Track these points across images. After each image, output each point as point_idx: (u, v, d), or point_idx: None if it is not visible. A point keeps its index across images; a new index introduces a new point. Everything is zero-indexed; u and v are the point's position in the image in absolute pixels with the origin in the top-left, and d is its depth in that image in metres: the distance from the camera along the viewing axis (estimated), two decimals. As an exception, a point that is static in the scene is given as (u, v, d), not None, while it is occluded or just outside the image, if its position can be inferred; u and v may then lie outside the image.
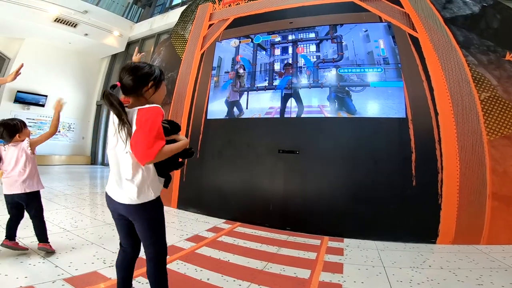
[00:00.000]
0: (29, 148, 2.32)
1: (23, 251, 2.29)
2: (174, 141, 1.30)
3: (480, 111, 3.20)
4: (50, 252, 2.29)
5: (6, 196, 2.30)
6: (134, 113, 1.21)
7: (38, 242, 2.32)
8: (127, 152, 1.23)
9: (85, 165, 11.54)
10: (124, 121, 1.18)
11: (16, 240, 2.34)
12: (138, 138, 1.16)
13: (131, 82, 1.27)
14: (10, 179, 2.26)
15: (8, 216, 2.35)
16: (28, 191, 2.29)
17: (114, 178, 1.32)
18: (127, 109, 1.24)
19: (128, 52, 12.04)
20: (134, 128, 1.19)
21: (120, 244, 1.48)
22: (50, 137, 2.50)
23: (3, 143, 2.33)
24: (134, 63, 1.34)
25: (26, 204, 2.33)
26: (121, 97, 1.29)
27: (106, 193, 1.38)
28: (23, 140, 2.34)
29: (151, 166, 1.27)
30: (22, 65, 2.47)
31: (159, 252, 1.37)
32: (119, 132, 1.20)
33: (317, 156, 3.64)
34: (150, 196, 1.29)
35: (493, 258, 2.60)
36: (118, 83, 1.27)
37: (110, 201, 1.36)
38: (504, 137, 3.12)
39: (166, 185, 1.39)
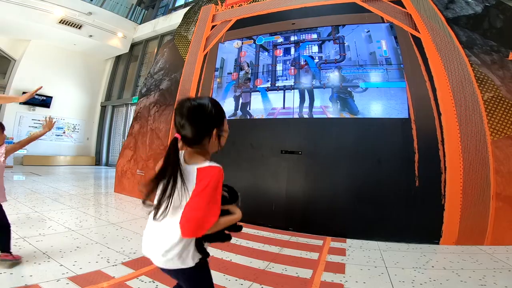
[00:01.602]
0: (4, 156, 2.10)
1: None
2: (228, 211, 1.09)
3: (483, 111, 3.19)
4: (15, 262, 2.05)
5: None
6: (192, 173, 1.01)
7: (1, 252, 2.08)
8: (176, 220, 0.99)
9: (90, 165, 11.62)
10: (178, 184, 0.99)
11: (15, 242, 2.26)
12: (188, 209, 0.96)
13: (190, 134, 1.02)
14: None
15: None
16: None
17: (153, 243, 1.08)
18: (183, 164, 1.04)
19: (132, 54, 12.12)
20: (191, 187, 0.99)
21: None
22: (24, 146, 2.31)
23: None
24: (190, 102, 1.05)
25: None
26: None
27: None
28: None
29: None
30: (40, 88, 2.45)
31: None
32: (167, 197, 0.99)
33: (320, 157, 3.64)
34: (189, 263, 1.04)
35: (496, 259, 2.59)
36: (177, 135, 1.03)
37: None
38: (508, 138, 3.10)
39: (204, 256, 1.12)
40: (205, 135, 1.05)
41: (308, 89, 3.89)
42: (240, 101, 4.36)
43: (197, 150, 1.07)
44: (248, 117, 4.22)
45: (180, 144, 1.05)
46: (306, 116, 3.83)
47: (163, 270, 1.09)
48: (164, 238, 1.03)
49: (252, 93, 4.29)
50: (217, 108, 1.09)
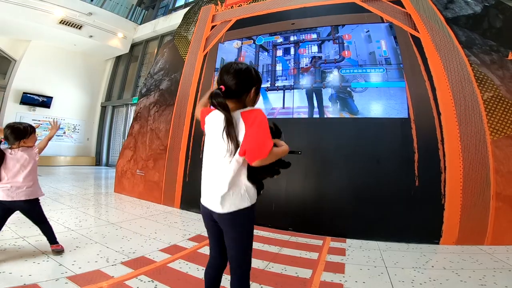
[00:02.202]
0: (38, 155, 2.33)
1: None
2: (275, 145, 1.23)
3: (483, 111, 3.19)
4: (61, 251, 2.32)
5: (2, 202, 2.16)
6: (237, 117, 1.18)
7: (50, 244, 2.33)
8: (230, 159, 1.19)
9: (90, 166, 11.62)
10: (233, 125, 1.16)
11: (14, 241, 2.37)
12: (250, 136, 1.13)
13: (235, 87, 1.21)
14: (13, 185, 2.17)
15: None
16: (32, 197, 2.25)
17: (208, 185, 1.27)
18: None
19: (132, 54, 12.13)
20: (240, 131, 1.17)
21: (210, 252, 1.43)
22: (47, 144, 2.50)
23: (6, 145, 2.27)
24: (237, 64, 1.26)
25: (27, 212, 2.29)
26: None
27: (202, 207, 1.32)
28: (30, 146, 2.31)
29: (244, 171, 1.22)
30: (38, 126, 2.67)
31: (245, 269, 1.30)
32: (227, 137, 1.16)
33: (320, 157, 3.64)
34: (246, 203, 1.23)
35: (497, 259, 2.58)
36: (222, 87, 1.20)
37: (204, 207, 1.30)
38: (507, 137, 3.10)
39: (258, 192, 1.31)
40: (245, 91, 1.24)
41: (316, 90, 3.87)
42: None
43: (235, 103, 1.24)
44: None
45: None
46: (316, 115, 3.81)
47: (220, 219, 1.25)
48: (219, 178, 1.21)
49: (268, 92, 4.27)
50: (256, 72, 1.31)
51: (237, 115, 1.19)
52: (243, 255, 1.29)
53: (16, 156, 2.22)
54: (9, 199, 2.15)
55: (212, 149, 1.27)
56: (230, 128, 1.15)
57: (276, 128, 1.30)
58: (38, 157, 2.34)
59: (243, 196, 1.21)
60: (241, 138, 1.17)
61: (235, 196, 1.20)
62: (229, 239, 1.28)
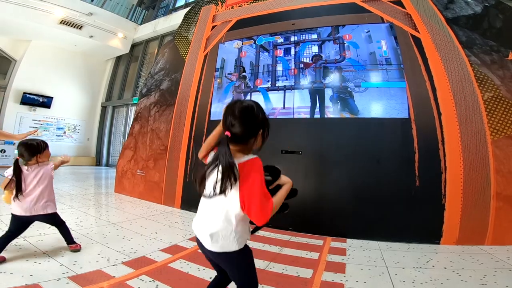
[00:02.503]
0: (53, 172, 2.42)
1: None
2: (279, 186, 1.21)
3: (483, 111, 3.19)
4: (78, 250, 2.42)
5: (21, 217, 2.22)
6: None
7: (68, 245, 2.43)
8: (226, 207, 1.14)
9: (90, 166, 11.62)
10: (236, 177, 1.08)
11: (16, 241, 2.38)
12: (250, 200, 1.08)
13: (241, 133, 1.14)
14: (31, 200, 2.23)
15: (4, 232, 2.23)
16: (49, 212, 2.33)
17: (202, 225, 1.21)
18: None
19: (133, 54, 12.13)
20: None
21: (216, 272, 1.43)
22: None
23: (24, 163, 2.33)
24: (242, 106, 1.17)
25: (46, 222, 2.43)
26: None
27: (196, 238, 1.28)
28: (44, 161, 2.37)
29: (246, 218, 1.17)
30: (36, 130, 2.70)
31: None
32: (222, 185, 1.10)
33: (320, 157, 3.64)
34: (236, 246, 1.17)
35: (497, 259, 2.58)
36: (228, 133, 1.13)
37: (200, 245, 1.25)
38: (508, 137, 3.10)
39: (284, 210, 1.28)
40: (252, 135, 1.17)
41: (319, 90, 3.86)
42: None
43: (240, 148, 1.18)
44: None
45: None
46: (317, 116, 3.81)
47: (210, 254, 1.21)
48: (212, 223, 1.17)
49: (252, 93, 4.29)
50: (264, 113, 1.22)
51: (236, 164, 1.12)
52: (246, 283, 1.27)
53: (33, 173, 2.29)
54: (27, 214, 2.22)
55: (211, 191, 1.18)
56: (229, 181, 1.09)
57: (272, 172, 1.24)
58: (53, 172, 2.42)
59: (232, 240, 1.15)
60: (233, 190, 1.11)
61: (224, 238, 1.15)
62: (230, 274, 1.27)
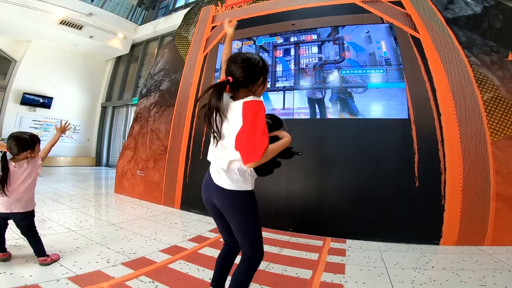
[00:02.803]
0: (40, 167, 2.24)
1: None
2: (277, 138, 1.27)
3: (483, 111, 3.19)
4: (48, 264, 2.13)
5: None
6: (238, 106, 1.19)
7: (37, 257, 2.13)
8: (222, 146, 1.27)
9: (90, 166, 11.62)
10: (218, 113, 1.20)
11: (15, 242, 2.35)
12: (244, 136, 1.15)
13: (243, 78, 1.26)
14: (13, 197, 2.07)
15: None
16: (29, 209, 2.18)
17: (212, 169, 1.35)
18: (231, 102, 1.25)
19: (132, 55, 12.14)
20: (237, 122, 1.18)
21: (224, 240, 1.49)
22: (49, 152, 2.37)
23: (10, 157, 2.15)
24: (245, 55, 1.30)
25: (20, 223, 2.17)
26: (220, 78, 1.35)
27: (203, 183, 1.40)
28: (34, 157, 2.19)
29: (237, 158, 1.25)
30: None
31: (256, 253, 1.34)
32: (205, 122, 1.24)
33: (320, 158, 3.65)
34: (246, 186, 1.28)
35: (497, 259, 2.59)
36: (230, 78, 1.25)
37: (205, 189, 1.36)
38: (507, 138, 3.10)
39: (263, 174, 1.36)
40: (252, 81, 1.28)
41: (318, 99, 3.86)
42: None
43: (243, 92, 1.28)
44: None
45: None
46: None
47: (216, 208, 1.33)
48: (219, 163, 1.29)
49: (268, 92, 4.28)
50: (263, 61, 1.34)
51: (239, 104, 1.20)
52: (253, 240, 1.31)
53: (21, 169, 2.14)
54: (8, 211, 2.07)
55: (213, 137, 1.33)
56: (210, 116, 1.22)
57: (275, 120, 1.31)
58: (40, 168, 2.27)
59: (242, 179, 1.26)
60: (235, 128, 1.19)
61: (234, 178, 1.25)
62: (235, 223, 1.32)
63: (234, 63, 1.27)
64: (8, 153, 2.13)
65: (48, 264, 2.11)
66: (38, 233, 2.23)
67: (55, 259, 2.18)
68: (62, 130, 2.48)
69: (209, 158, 1.38)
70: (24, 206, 2.13)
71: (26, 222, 2.18)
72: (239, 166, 1.25)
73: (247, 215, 1.29)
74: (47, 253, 2.16)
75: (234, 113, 1.20)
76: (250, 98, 1.20)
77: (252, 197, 1.31)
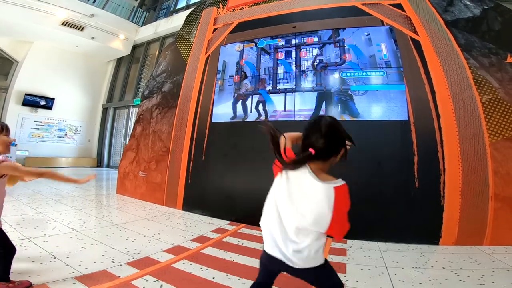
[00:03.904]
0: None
1: None
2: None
3: (482, 113, 3.23)
4: None
5: None
6: (328, 188, 1.11)
7: None
8: (311, 229, 1.14)
9: (91, 167, 11.66)
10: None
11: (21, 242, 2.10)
12: (339, 222, 1.14)
13: (325, 150, 1.14)
14: None
15: None
16: None
17: (279, 240, 1.19)
18: (315, 180, 1.12)
19: (134, 56, 12.18)
20: (321, 205, 1.11)
21: (256, 284, 1.43)
22: (33, 178, 1.87)
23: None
24: (328, 122, 1.18)
25: None
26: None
27: (266, 253, 1.27)
28: None
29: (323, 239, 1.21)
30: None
31: None
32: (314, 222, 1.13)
33: (320, 158, 3.67)
34: (320, 260, 1.21)
35: (495, 259, 2.62)
36: (312, 150, 1.12)
37: (272, 262, 1.25)
38: (506, 139, 3.14)
39: None
40: (334, 152, 1.17)
41: (326, 93, 3.88)
42: (249, 101, 4.41)
43: (321, 165, 1.17)
44: (263, 116, 4.20)
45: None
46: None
47: (293, 272, 1.23)
48: (293, 237, 1.16)
49: (253, 95, 4.33)
50: (344, 131, 1.23)
51: (328, 187, 1.10)
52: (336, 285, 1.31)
53: None
54: None
55: (290, 208, 1.17)
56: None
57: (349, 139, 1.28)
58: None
59: (317, 255, 1.18)
60: (323, 210, 1.11)
61: (310, 255, 1.17)
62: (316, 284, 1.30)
63: (317, 132, 1.14)
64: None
65: None
66: (9, 253, 1.78)
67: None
68: (82, 182, 1.96)
69: (279, 228, 1.20)
70: None
71: None
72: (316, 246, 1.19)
73: (327, 281, 1.30)
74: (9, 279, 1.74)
75: (319, 194, 1.11)
76: (340, 182, 1.13)
77: (326, 266, 1.28)
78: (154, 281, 2.00)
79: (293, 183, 1.18)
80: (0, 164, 1.58)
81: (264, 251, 1.28)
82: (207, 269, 2.26)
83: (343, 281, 2.09)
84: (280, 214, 1.20)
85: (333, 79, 3.88)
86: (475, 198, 3.07)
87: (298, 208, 1.14)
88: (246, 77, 4.51)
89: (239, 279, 2.11)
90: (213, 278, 2.11)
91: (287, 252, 1.16)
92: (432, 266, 2.49)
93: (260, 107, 4.22)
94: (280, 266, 1.22)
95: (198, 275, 2.15)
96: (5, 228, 2.84)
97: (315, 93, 3.91)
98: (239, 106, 4.40)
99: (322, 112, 3.81)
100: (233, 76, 4.62)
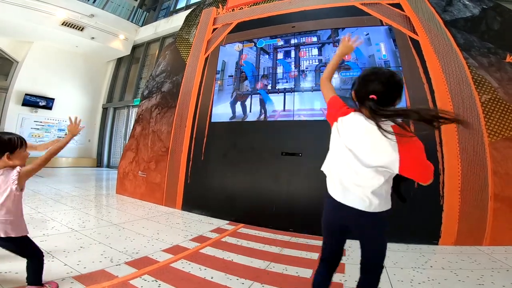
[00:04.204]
0: (16, 182, 1.62)
1: None
2: None
3: (481, 113, 3.22)
4: None
5: None
6: (386, 129, 1.18)
7: (27, 284, 1.74)
8: (383, 168, 1.21)
9: (91, 167, 11.66)
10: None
11: None
12: (413, 161, 1.19)
13: (387, 96, 1.23)
14: None
15: None
16: (10, 235, 1.63)
17: (351, 185, 1.26)
18: (371, 124, 1.22)
19: (134, 56, 12.19)
20: (388, 144, 1.18)
21: (324, 257, 1.45)
22: (45, 165, 1.81)
23: None
24: (390, 72, 1.27)
25: (10, 249, 1.72)
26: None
27: (334, 201, 1.32)
28: (14, 167, 1.67)
29: (390, 180, 1.28)
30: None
31: (382, 266, 1.36)
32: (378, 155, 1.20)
33: (320, 158, 3.64)
34: (389, 205, 1.29)
35: (495, 259, 2.62)
36: (374, 96, 1.21)
37: (339, 209, 1.30)
38: (505, 139, 3.13)
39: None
40: (392, 100, 1.25)
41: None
42: (248, 101, 4.40)
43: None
44: (263, 116, 4.20)
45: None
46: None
47: (345, 229, 1.34)
48: (366, 182, 1.23)
49: (253, 95, 4.33)
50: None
51: (387, 126, 1.17)
52: (384, 254, 1.34)
53: None
54: None
55: (353, 153, 1.27)
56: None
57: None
58: (15, 184, 1.62)
59: (387, 199, 1.27)
60: (386, 152, 1.19)
61: (381, 199, 1.24)
62: (371, 240, 1.33)
63: (378, 81, 1.23)
64: None
65: None
66: (39, 257, 1.78)
67: None
68: (74, 131, 1.99)
69: (342, 181, 1.30)
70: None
71: (13, 249, 1.72)
72: (387, 188, 1.27)
73: (386, 233, 1.34)
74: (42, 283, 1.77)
75: (379, 137, 1.19)
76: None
77: (389, 214, 1.32)
78: (152, 281, 2.00)
79: (353, 131, 1.28)
80: (20, 175, 1.65)
81: (333, 203, 1.32)
82: (205, 269, 2.26)
83: (341, 282, 2.12)
84: (350, 159, 1.27)
85: (332, 79, 3.87)
86: (475, 198, 3.07)
87: (368, 151, 1.23)
88: (246, 78, 4.50)
89: (237, 279, 2.10)
90: (212, 277, 2.11)
91: (364, 195, 1.23)
92: (431, 266, 2.49)
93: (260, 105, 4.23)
94: (351, 216, 1.27)
95: (196, 275, 2.15)
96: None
97: (314, 93, 3.91)
98: (238, 106, 4.40)
99: (322, 112, 3.81)
100: (232, 76, 4.62)
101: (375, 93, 1.21)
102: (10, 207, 1.63)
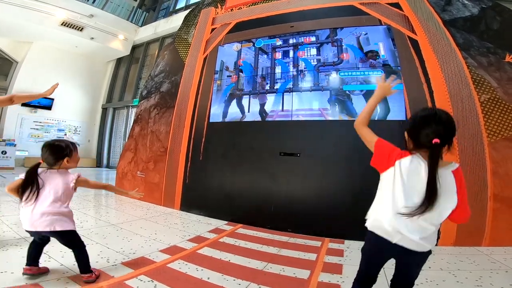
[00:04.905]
0: (74, 181, 1.93)
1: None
2: None
3: (480, 113, 3.21)
4: (92, 281, 1.91)
5: (30, 232, 1.86)
6: (447, 174, 1.21)
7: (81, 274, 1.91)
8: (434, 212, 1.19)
9: (91, 167, 11.66)
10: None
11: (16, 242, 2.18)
12: (464, 204, 1.19)
13: (447, 140, 1.22)
14: (37, 213, 1.77)
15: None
16: (59, 229, 1.81)
17: (409, 227, 1.23)
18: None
19: (133, 56, 12.18)
20: (449, 189, 1.19)
21: (360, 282, 1.46)
22: (96, 188, 2.39)
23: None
24: (446, 114, 1.25)
25: (61, 242, 1.93)
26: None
27: (386, 240, 1.29)
28: (71, 167, 1.99)
29: None
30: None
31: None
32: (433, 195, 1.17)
33: (318, 159, 3.67)
34: (435, 241, 1.31)
35: (494, 260, 2.60)
36: (437, 140, 1.18)
37: (390, 248, 1.28)
38: (505, 139, 3.12)
39: None
40: (448, 143, 1.23)
41: (342, 95, 3.88)
42: (248, 103, 4.39)
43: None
44: (264, 117, 4.18)
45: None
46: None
47: (411, 256, 1.27)
48: (426, 228, 1.22)
49: (267, 94, 4.28)
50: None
51: (446, 171, 1.20)
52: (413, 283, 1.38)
53: (50, 179, 1.88)
54: (32, 229, 1.80)
55: (412, 197, 1.23)
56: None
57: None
58: (73, 183, 1.92)
59: (434, 238, 1.27)
60: (448, 196, 1.18)
61: (432, 242, 1.26)
62: (414, 272, 1.35)
63: (441, 125, 1.20)
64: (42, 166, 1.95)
65: (93, 281, 1.90)
66: (84, 248, 1.95)
67: (98, 275, 1.99)
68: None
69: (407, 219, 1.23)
70: (49, 225, 1.78)
71: (63, 241, 1.92)
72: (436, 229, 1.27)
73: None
74: (91, 269, 1.94)
75: (445, 180, 1.19)
76: (455, 165, 1.25)
77: None
78: (149, 281, 1.99)
79: (411, 173, 1.27)
80: (78, 179, 1.97)
81: (383, 242, 1.30)
82: (202, 269, 2.24)
83: (338, 283, 2.10)
84: (408, 204, 1.23)
85: (331, 78, 3.87)
86: (474, 199, 3.05)
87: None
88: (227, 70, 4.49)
89: (234, 280, 2.09)
90: (208, 278, 2.10)
91: (415, 238, 1.21)
92: (429, 267, 2.47)
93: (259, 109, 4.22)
94: (400, 252, 1.26)
95: (193, 275, 2.13)
96: (2, 228, 2.86)
97: (313, 93, 3.90)
98: (233, 106, 4.38)
99: (320, 112, 3.80)
100: (230, 76, 4.61)
101: (439, 137, 1.18)
102: (65, 201, 1.90)
